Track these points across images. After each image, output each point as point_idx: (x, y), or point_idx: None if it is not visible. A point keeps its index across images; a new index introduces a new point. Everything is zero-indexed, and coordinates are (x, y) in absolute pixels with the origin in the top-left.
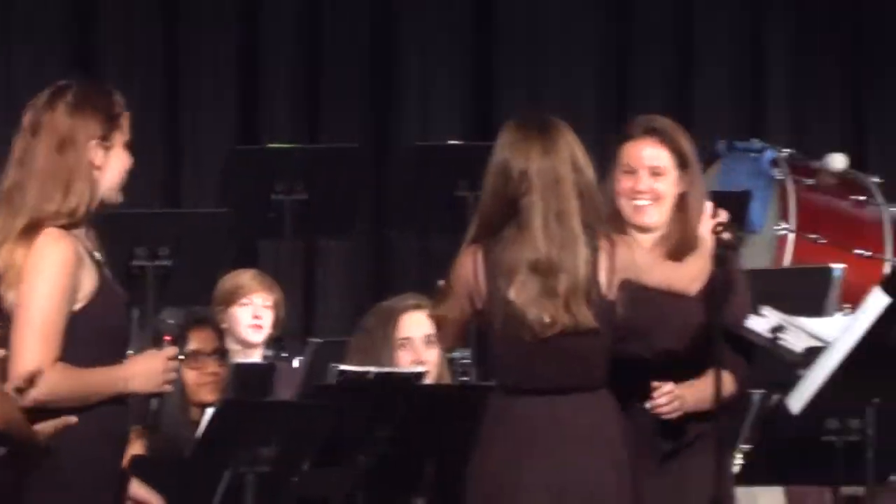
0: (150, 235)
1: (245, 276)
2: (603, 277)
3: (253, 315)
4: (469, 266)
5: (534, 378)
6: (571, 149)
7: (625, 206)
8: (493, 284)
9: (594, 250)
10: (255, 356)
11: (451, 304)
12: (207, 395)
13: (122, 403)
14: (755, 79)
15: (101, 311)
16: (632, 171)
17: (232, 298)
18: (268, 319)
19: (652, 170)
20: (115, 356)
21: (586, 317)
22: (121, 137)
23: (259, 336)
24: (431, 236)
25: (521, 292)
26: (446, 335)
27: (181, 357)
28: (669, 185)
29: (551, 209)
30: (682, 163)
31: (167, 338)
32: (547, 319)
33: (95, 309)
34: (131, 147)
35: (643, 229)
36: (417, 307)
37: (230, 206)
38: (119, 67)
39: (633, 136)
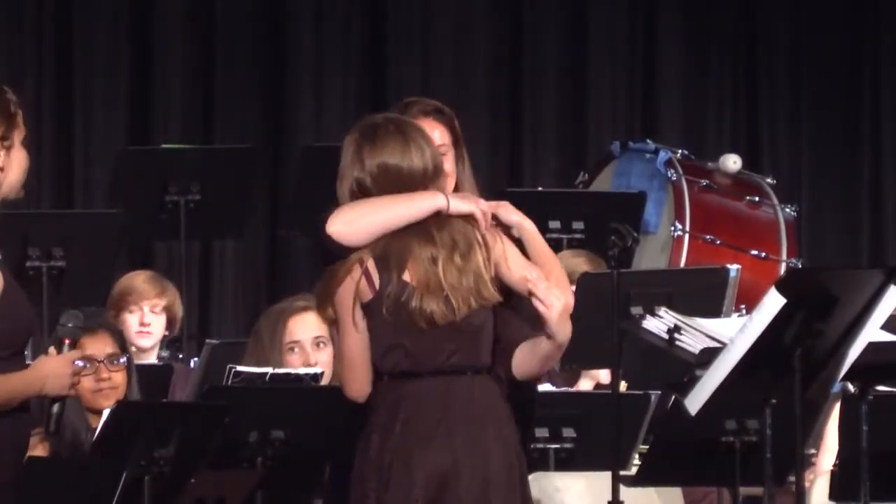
0: (43, 236)
1: (136, 281)
2: (491, 263)
3: (140, 322)
4: (356, 262)
5: (427, 360)
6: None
7: None
8: (385, 273)
9: (481, 238)
10: (151, 358)
11: (348, 336)
12: (103, 401)
13: (26, 410)
14: (648, 79)
15: (7, 312)
16: None
17: (121, 304)
18: (158, 324)
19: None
20: (18, 357)
21: (487, 296)
22: (19, 135)
23: (147, 341)
24: None
25: (415, 279)
26: (357, 377)
27: (85, 364)
28: (451, 163)
29: None
30: (456, 141)
31: (66, 341)
32: (442, 306)
33: (2, 310)
34: (28, 144)
35: None
36: (306, 309)
37: (123, 206)
38: (11, 67)
39: (413, 118)
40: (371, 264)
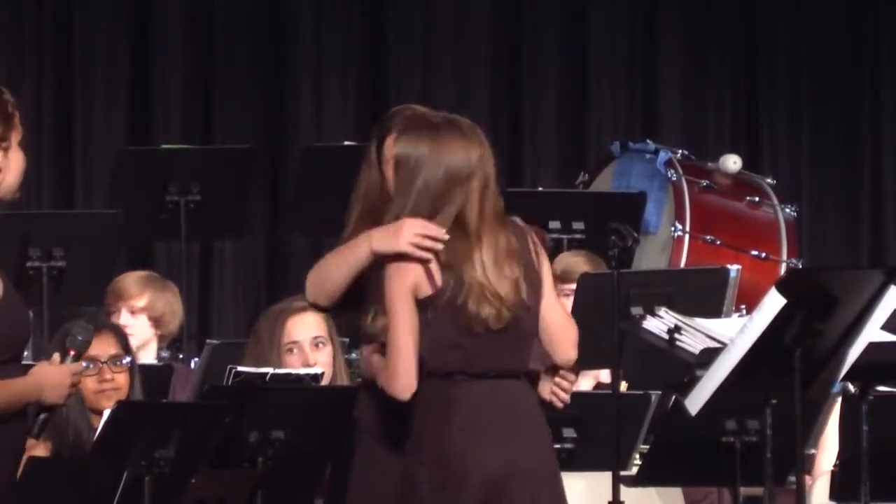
0: (43, 236)
1: (118, 282)
2: (541, 270)
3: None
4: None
5: (479, 362)
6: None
7: None
8: (446, 272)
9: (526, 241)
10: (149, 357)
11: (403, 325)
12: (105, 401)
13: (23, 417)
14: (648, 79)
15: (6, 317)
16: None
17: (106, 306)
18: (137, 326)
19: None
20: (15, 361)
21: (531, 306)
22: (17, 136)
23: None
24: (326, 238)
25: (471, 282)
26: (409, 370)
27: (88, 365)
28: None
29: (489, 204)
30: None
31: (72, 352)
32: (496, 311)
33: (2, 317)
34: (24, 145)
35: None
36: (304, 309)
37: (123, 207)
38: (11, 67)
39: (395, 129)
40: (432, 261)
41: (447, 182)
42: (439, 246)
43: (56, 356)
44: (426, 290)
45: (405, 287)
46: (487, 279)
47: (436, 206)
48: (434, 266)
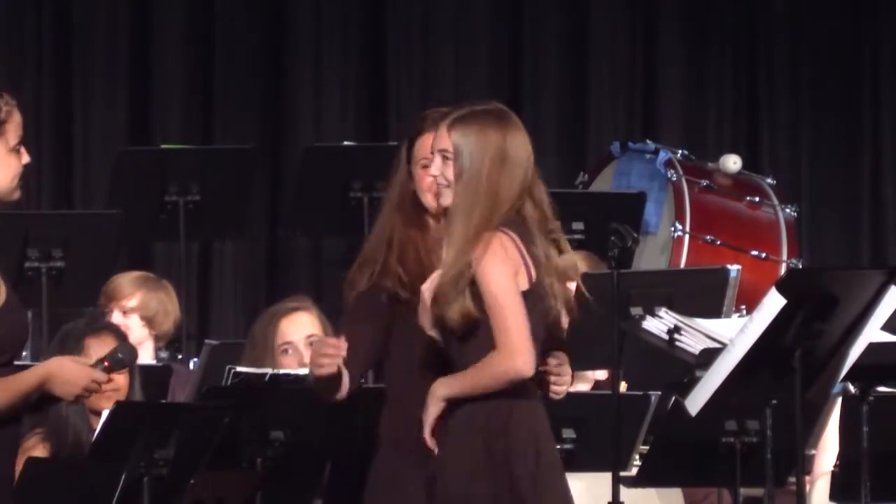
0: (42, 236)
1: (111, 283)
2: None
3: None
4: (514, 247)
5: (538, 359)
6: None
7: (430, 199)
8: (538, 269)
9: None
10: (144, 357)
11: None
12: (105, 402)
13: (18, 418)
14: (648, 79)
15: (6, 320)
16: (430, 164)
17: (100, 308)
18: (131, 325)
19: (443, 154)
20: (9, 366)
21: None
22: (4, 145)
23: None
24: (325, 238)
25: (551, 283)
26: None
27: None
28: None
29: (544, 196)
30: None
31: (107, 364)
32: (566, 306)
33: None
34: (25, 145)
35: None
36: (296, 310)
37: (123, 207)
38: (11, 66)
39: (426, 131)
40: (527, 255)
41: (513, 173)
42: (339, 360)
43: (90, 360)
44: (524, 284)
45: (510, 274)
46: (560, 283)
47: (502, 199)
48: (530, 260)
